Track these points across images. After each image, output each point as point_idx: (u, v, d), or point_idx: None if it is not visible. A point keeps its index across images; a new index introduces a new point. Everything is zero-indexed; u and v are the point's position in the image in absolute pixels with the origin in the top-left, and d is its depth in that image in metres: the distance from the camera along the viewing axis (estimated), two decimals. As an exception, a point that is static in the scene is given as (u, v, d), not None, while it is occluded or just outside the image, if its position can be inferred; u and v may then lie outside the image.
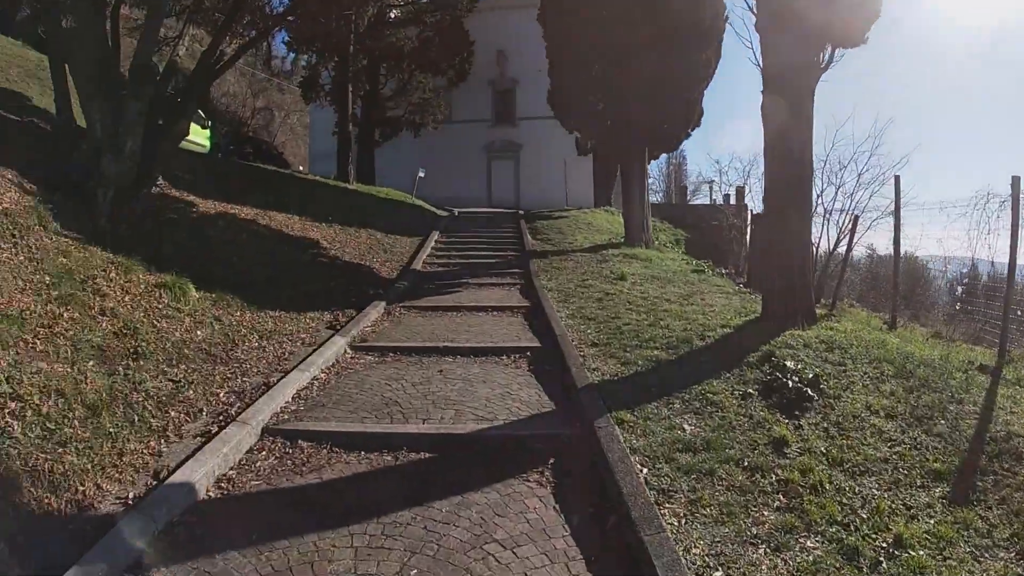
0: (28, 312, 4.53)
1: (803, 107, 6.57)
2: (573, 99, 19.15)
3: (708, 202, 35.48)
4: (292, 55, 25.58)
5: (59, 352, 4.31)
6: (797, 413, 4.45)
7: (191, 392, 4.76)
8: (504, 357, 6.34)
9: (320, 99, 23.16)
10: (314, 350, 6.07)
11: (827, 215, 14.25)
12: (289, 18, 10.22)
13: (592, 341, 6.50)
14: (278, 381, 5.18)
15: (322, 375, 5.66)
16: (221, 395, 4.90)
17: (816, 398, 4.59)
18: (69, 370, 4.14)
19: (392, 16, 22.86)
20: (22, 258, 5.27)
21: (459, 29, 24.24)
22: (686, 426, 4.33)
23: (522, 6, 28.95)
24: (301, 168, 28.24)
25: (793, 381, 4.69)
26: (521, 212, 20.59)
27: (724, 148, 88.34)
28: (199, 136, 16.84)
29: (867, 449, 3.94)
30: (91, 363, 4.43)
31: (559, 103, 20.85)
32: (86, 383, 4.09)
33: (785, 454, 3.92)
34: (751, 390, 4.85)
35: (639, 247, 13.86)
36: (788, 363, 5.01)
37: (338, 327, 7.18)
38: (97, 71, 6.82)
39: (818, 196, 13.56)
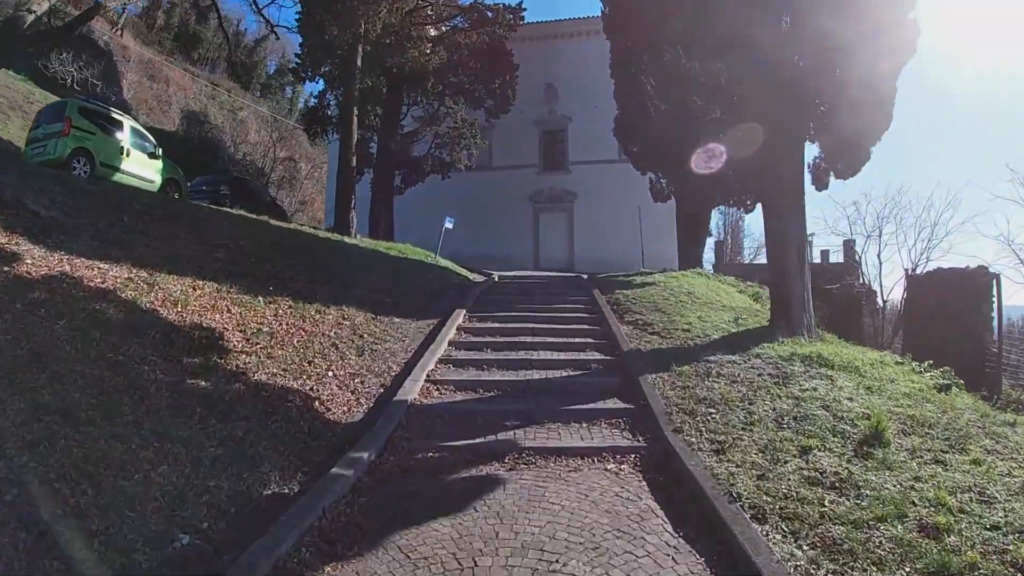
0: None
1: None
2: (657, 120, 13.86)
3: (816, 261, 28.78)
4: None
5: None
6: None
7: None
8: None
9: (327, 134, 18.51)
10: None
11: None
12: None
13: None
14: None
15: None
16: None
17: None
18: None
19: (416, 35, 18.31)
20: None
21: (500, 50, 19.47)
22: None
23: (574, 34, 24.47)
24: (326, 226, 23.45)
25: None
26: (584, 276, 14.70)
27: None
28: (146, 168, 11.81)
29: None
30: None
31: (629, 127, 15.62)
32: None
33: None
34: None
35: (800, 336, 7.95)
36: None
37: None
38: None
39: None
